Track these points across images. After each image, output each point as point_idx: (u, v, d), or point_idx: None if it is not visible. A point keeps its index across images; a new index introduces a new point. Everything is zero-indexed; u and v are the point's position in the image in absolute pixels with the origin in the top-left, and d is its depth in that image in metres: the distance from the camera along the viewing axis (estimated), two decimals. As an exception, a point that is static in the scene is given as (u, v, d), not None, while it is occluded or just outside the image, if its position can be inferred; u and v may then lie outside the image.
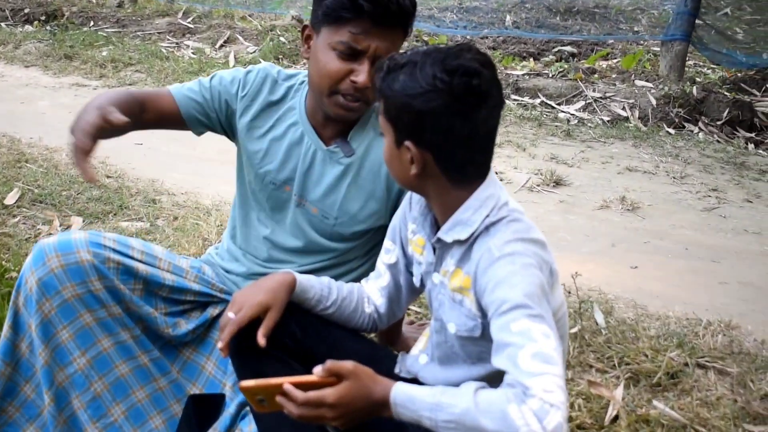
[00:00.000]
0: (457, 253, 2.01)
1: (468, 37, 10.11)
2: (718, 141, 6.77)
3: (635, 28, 11.15)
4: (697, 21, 7.84)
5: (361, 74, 2.35)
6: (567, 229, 4.74)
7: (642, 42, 9.72)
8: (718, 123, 7.08)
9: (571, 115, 7.22)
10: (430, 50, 1.94)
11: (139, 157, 5.83)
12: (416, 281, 2.26)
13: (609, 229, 4.80)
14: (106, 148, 5.72)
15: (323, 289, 2.30)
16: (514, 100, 7.56)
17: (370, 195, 2.59)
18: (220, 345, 2.13)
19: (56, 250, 2.43)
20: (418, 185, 2.04)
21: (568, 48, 9.40)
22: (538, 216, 4.90)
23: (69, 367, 2.47)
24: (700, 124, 7.07)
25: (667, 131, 6.83)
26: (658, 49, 9.44)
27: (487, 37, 10.19)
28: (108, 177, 5.28)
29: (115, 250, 2.52)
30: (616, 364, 3.25)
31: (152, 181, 5.25)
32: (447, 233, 2.02)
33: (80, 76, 8.34)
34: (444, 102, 1.86)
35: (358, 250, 2.71)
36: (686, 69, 8.08)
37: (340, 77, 2.38)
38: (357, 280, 2.60)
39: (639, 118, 7.12)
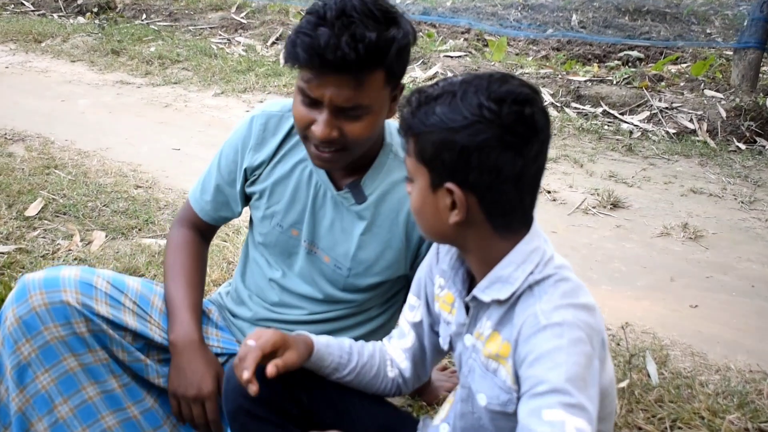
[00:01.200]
0: (495, 315, 1.79)
1: (531, 37, 9.72)
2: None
3: (708, 30, 10.71)
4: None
5: (319, 125, 2.07)
6: (622, 259, 4.38)
7: (713, 46, 9.24)
8: (793, 138, 6.66)
9: (635, 126, 6.81)
10: (468, 78, 1.71)
11: (175, 164, 5.59)
12: (443, 343, 2.02)
13: (668, 260, 4.43)
14: (140, 153, 5.66)
15: (342, 356, 2.09)
16: (575, 108, 7.17)
17: (386, 245, 2.33)
18: (246, 376, 1.88)
19: (41, 287, 2.24)
20: (456, 235, 1.79)
21: (635, 53, 8.96)
22: (592, 242, 4.55)
23: (49, 416, 2.27)
24: (773, 139, 6.65)
25: (737, 146, 6.40)
26: (731, 53, 9.03)
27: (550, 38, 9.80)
28: (138, 187, 5.04)
29: (106, 295, 2.32)
30: (668, 427, 2.93)
31: (183, 192, 4.99)
32: (485, 291, 1.78)
33: (125, 72, 8.15)
34: (493, 134, 1.64)
35: (376, 299, 2.47)
36: (759, 77, 7.62)
37: (305, 125, 2.11)
38: (377, 330, 2.49)
39: (707, 131, 6.69)
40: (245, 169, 2.40)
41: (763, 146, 6.51)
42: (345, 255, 2.33)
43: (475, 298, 1.81)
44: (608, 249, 4.52)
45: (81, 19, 10.25)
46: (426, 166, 1.72)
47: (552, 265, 1.75)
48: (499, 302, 1.77)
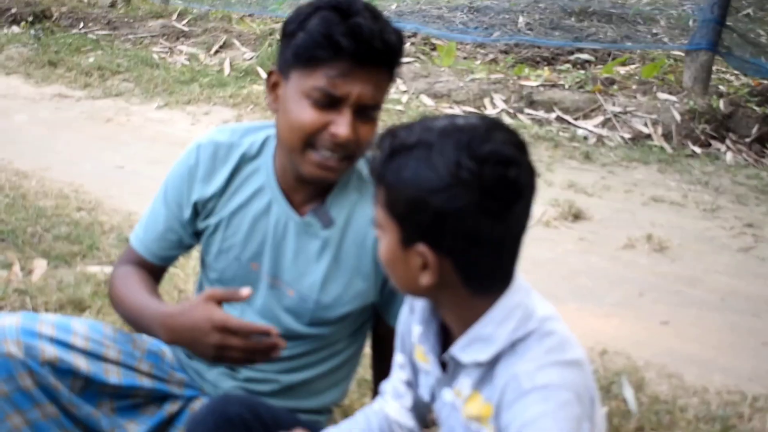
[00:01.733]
0: (474, 373, 1.63)
1: (479, 42, 9.61)
2: (746, 160, 6.29)
3: (654, 30, 10.72)
4: (723, 29, 7.34)
5: (342, 125, 1.93)
6: (588, 274, 4.26)
7: (665, 49, 9.22)
8: (747, 140, 6.62)
9: (590, 132, 6.71)
10: (447, 128, 1.53)
11: (119, 183, 5.35)
12: (424, 394, 1.85)
13: (635, 273, 4.32)
14: (82, 172, 5.41)
15: None
16: (528, 114, 7.06)
17: (355, 272, 2.16)
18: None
19: None
20: (429, 294, 1.64)
21: (585, 55, 8.91)
22: (556, 257, 4.43)
23: None
24: (727, 141, 6.61)
25: (693, 150, 6.34)
26: (679, 53, 9.01)
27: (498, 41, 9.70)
28: (80, 209, 4.79)
29: (52, 340, 2.13)
30: (650, 459, 2.79)
31: (129, 214, 4.75)
32: (463, 351, 1.62)
33: (63, 85, 7.85)
34: (471, 199, 1.47)
35: (343, 332, 2.30)
36: (711, 78, 7.59)
37: (316, 129, 1.95)
38: (342, 365, 2.36)
39: (662, 135, 6.62)
40: (195, 203, 2.21)
41: (719, 149, 6.46)
42: (311, 286, 2.16)
43: (452, 357, 1.65)
44: (573, 264, 4.39)
45: (15, 29, 9.91)
46: (397, 221, 1.55)
47: (535, 318, 1.59)
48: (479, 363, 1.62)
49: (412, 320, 1.85)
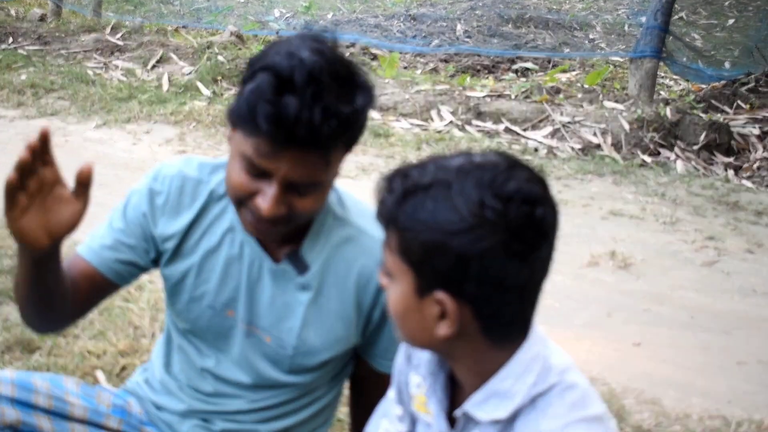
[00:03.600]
0: (490, 430, 1.52)
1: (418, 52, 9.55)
2: (696, 168, 6.32)
3: (591, 36, 10.80)
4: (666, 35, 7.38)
5: (266, 201, 1.77)
6: (554, 294, 4.16)
7: (612, 56, 9.28)
8: (695, 147, 6.65)
9: (539, 143, 6.66)
10: (465, 166, 1.44)
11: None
12: None
13: (601, 292, 4.27)
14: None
15: None
16: (476, 126, 6.99)
17: (336, 317, 2.03)
18: None
19: None
20: (443, 347, 1.52)
21: (528, 64, 8.90)
22: (519, 277, 4.33)
23: None
24: (676, 149, 6.65)
25: (643, 159, 6.34)
26: (618, 59, 9.07)
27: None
28: (21, 240, 4.56)
29: (13, 401, 1.99)
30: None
31: (74, 243, 4.52)
32: (479, 407, 1.52)
33: (-5, 105, 7.59)
34: (497, 241, 1.37)
35: (323, 378, 2.17)
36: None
37: (245, 194, 1.80)
38: (321, 411, 2.22)
39: (612, 144, 6.60)
40: (155, 236, 2.05)
41: (668, 158, 6.49)
42: (289, 332, 2.02)
43: (465, 413, 1.55)
44: (538, 283, 4.31)
45: (-60, 46, 9.58)
46: (412, 268, 1.44)
47: (555, 371, 1.50)
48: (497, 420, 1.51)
49: (409, 370, 1.75)
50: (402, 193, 1.43)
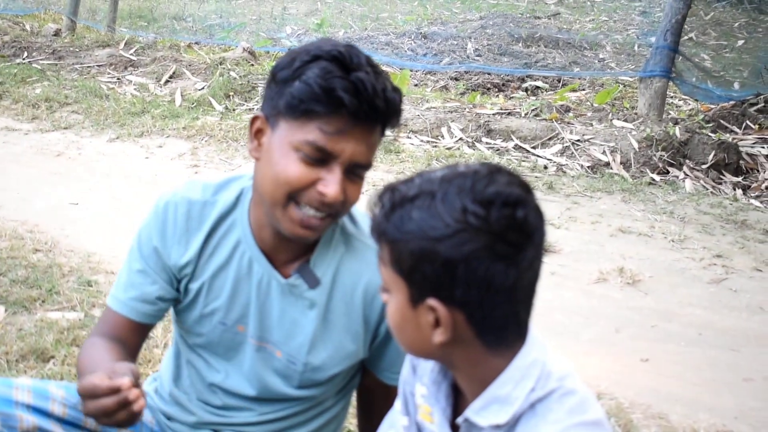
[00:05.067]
0: None
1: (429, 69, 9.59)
2: (704, 187, 6.32)
3: (600, 56, 10.82)
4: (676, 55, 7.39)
5: (332, 185, 1.80)
6: (562, 310, 4.20)
7: (621, 76, 9.29)
8: (704, 167, 6.66)
9: (549, 160, 6.69)
10: (448, 175, 1.47)
11: (74, 220, 5.18)
12: None
13: (610, 308, 4.28)
14: (35, 210, 5.23)
15: None
16: (486, 144, 7.02)
17: (345, 331, 2.06)
18: None
19: None
20: (441, 354, 1.55)
21: (538, 83, 8.93)
22: (528, 293, 4.35)
23: None
24: (685, 168, 6.64)
25: (652, 178, 6.34)
26: (627, 78, 9.09)
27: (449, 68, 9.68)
28: (36, 251, 4.60)
29: (30, 408, 2.01)
30: None
31: (88, 255, 4.59)
32: (479, 413, 1.54)
33: (10, 117, 7.62)
34: (482, 244, 1.40)
35: (331, 391, 2.20)
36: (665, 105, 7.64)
37: (303, 185, 1.82)
38: (330, 422, 2.27)
39: (621, 163, 6.62)
40: (171, 267, 2.07)
41: (677, 176, 6.48)
42: (299, 348, 2.05)
43: (467, 420, 1.57)
44: (546, 299, 4.33)
45: (-44, 59, 9.66)
46: (404, 278, 1.48)
47: (554, 377, 1.52)
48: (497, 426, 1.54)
49: (415, 380, 1.77)
50: (390, 207, 1.47)
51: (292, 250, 2.00)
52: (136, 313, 2.09)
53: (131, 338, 2.10)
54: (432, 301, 1.45)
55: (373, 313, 2.03)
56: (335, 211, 1.87)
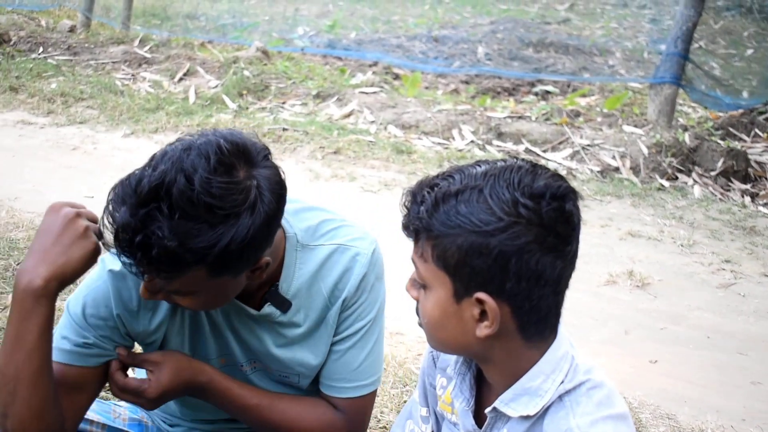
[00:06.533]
0: (518, 427, 1.59)
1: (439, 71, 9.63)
2: (713, 194, 6.36)
3: (610, 62, 10.85)
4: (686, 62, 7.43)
5: (142, 287, 1.77)
6: (572, 311, 4.15)
7: (631, 81, 9.32)
8: (713, 173, 6.69)
9: (559, 164, 6.73)
10: (491, 170, 1.49)
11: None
12: None
13: (619, 310, 4.32)
14: (51, 203, 5.25)
15: None
16: (497, 147, 7.06)
17: (326, 336, 2.05)
18: None
19: None
20: (479, 348, 1.57)
21: (549, 88, 8.96)
22: (539, 293, 4.40)
23: None
24: (693, 175, 6.67)
25: (661, 183, 6.38)
26: (637, 85, 9.12)
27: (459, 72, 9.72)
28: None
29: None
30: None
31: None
32: (509, 404, 1.58)
33: (26, 111, 7.67)
34: (534, 236, 1.43)
35: None
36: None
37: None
38: None
39: (630, 168, 6.66)
40: (137, 334, 1.97)
41: (686, 183, 6.51)
42: (289, 364, 2.05)
43: (495, 409, 1.60)
44: (557, 300, 4.38)
45: (-28, 53, 9.69)
46: (448, 273, 1.50)
47: (582, 371, 1.57)
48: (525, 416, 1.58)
49: (436, 372, 1.81)
50: (433, 202, 1.49)
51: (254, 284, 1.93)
52: (74, 358, 1.92)
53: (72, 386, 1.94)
54: (481, 295, 1.47)
55: (335, 303, 2.02)
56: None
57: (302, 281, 1.98)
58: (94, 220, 1.82)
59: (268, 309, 1.96)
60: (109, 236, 1.71)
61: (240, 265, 1.71)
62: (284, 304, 1.96)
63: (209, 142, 1.65)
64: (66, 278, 1.74)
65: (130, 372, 1.98)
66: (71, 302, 1.93)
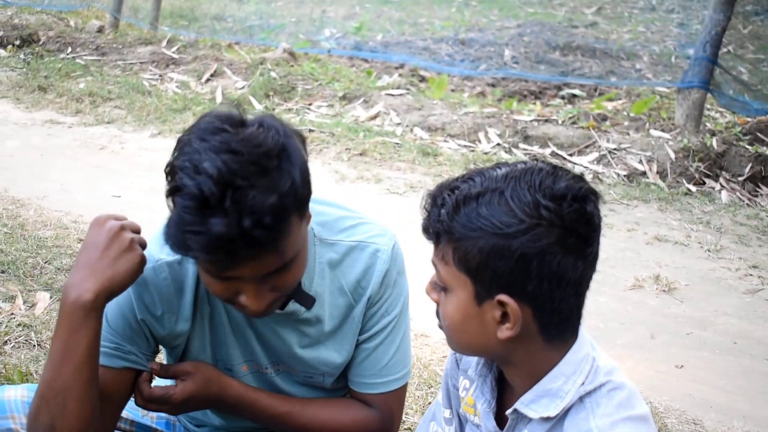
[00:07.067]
0: (539, 429, 1.59)
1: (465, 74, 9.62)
2: (740, 199, 6.30)
3: (637, 66, 10.80)
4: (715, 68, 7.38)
5: (250, 299, 1.75)
6: (598, 315, 4.22)
7: (658, 86, 9.27)
8: (740, 179, 6.64)
9: (585, 167, 6.71)
10: (512, 172, 1.50)
11: (116, 212, 5.21)
12: None
13: (645, 315, 4.30)
14: (78, 202, 5.32)
15: None
16: (523, 150, 7.04)
17: (349, 333, 2.06)
18: None
19: None
20: (501, 350, 1.57)
21: (575, 91, 8.93)
22: (564, 297, 4.39)
23: None
24: (721, 180, 6.62)
25: (688, 188, 6.33)
26: (664, 89, 9.07)
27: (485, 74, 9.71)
28: (80, 240, 4.68)
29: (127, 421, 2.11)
30: None
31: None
32: (529, 406, 1.58)
33: (54, 111, 7.72)
34: (555, 238, 1.43)
35: None
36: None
37: (228, 298, 1.77)
38: None
39: (657, 172, 6.62)
40: (162, 337, 2.00)
41: (713, 188, 6.47)
42: (313, 364, 2.07)
43: (516, 411, 1.60)
44: (583, 304, 4.36)
45: (2, 53, 9.75)
46: (470, 276, 1.50)
47: (603, 372, 1.57)
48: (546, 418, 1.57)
49: (459, 374, 1.81)
50: (454, 205, 1.49)
51: None
52: (111, 359, 1.94)
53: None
54: (503, 297, 1.48)
55: (365, 290, 2.02)
56: (276, 302, 1.82)
57: (323, 277, 1.99)
58: (137, 231, 1.84)
59: (293, 306, 1.95)
60: None
61: (308, 197, 1.71)
62: (308, 300, 1.96)
63: (203, 126, 1.65)
64: (114, 291, 1.76)
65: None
66: None
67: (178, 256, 1.91)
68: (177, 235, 1.60)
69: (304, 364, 2.04)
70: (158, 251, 1.92)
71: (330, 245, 1.98)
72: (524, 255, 1.44)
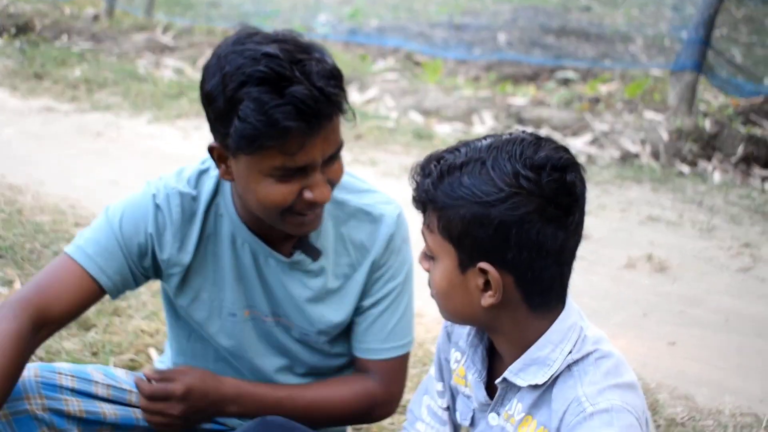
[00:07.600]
0: (528, 397, 1.61)
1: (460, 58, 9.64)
2: (733, 179, 6.34)
3: (630, 49, 10.82)
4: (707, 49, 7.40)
5: (316, 190, 1.83)
6: (591, 294, 4.26)
7: (651, 67, 9.29)
8: (733, 160, 6.68)
9: (579, 150, 6.74)
10: (496, 143, 1.52)
11: (114, 198, 5.13)
12: (462, 419, 1.82)
13: (638, 293, 4.34)
14: (76, 188, 5.35)
15: None
16: (518, 132, 7.06)
17: (351, 292, 2.11)
18: None
19: None
20: (487, 318, 1.60)
21: (570, 73, 8.95)
22: (558, 276, 4.43)
23: None
24: (714, 161, 6.66)
25: (681, 169, 6.38)
26: (658, 72, 9.10)
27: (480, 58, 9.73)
28: (77, 225, 4.72)
29: (74, 391, 2.06)
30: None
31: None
32: (518, 374, 1.60)
33: (51, 98, 7.74)
34: (533, 207, 1.46)
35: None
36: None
37: (290, 202, 1.83)
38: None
39: (650, 154, 6.67)
40: (162, 260, 2.05)
41: (705, 169, 6.51)
42: (310, 321, 2.10)
43: (505, 380, 1.64)
44: (576, 283, 4.32)
45: (-2, 40, 9.80)
46: (453, 244, 1.54)
47: (590, 341, 1.60)
48: (534, 386, 1.61)
49: (450, 346, 1.85)
50: (438, 175, 1.53)
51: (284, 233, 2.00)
52: (98, 271, 1.98)
53: (67, 305, 1.95)
54: (483, 264, 1.51)
55: (369, 252, 2.07)
56: (333, 187, 1.91)
57: (329, 232, 2.05)
58: None
59: (299, 257, 2.02)
60: None
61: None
62: (314, 252, 2.02)
63: (231, 41, 1.81)
64: None
65: None
66: (111, 207, 2.04)
67: (192, 190, 2.02)
68: (261, 118, 1.71)
69: (303, 318, 2.08)
70: (174, 182, 2.03)
71: (338, 204, 2.04)
72: (503, 223, 1.47)
